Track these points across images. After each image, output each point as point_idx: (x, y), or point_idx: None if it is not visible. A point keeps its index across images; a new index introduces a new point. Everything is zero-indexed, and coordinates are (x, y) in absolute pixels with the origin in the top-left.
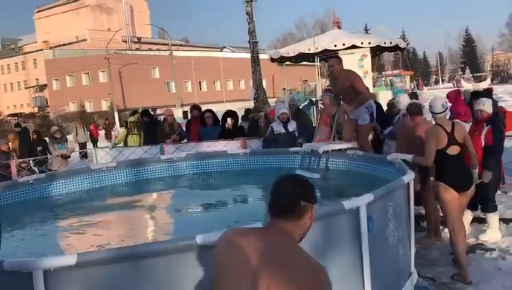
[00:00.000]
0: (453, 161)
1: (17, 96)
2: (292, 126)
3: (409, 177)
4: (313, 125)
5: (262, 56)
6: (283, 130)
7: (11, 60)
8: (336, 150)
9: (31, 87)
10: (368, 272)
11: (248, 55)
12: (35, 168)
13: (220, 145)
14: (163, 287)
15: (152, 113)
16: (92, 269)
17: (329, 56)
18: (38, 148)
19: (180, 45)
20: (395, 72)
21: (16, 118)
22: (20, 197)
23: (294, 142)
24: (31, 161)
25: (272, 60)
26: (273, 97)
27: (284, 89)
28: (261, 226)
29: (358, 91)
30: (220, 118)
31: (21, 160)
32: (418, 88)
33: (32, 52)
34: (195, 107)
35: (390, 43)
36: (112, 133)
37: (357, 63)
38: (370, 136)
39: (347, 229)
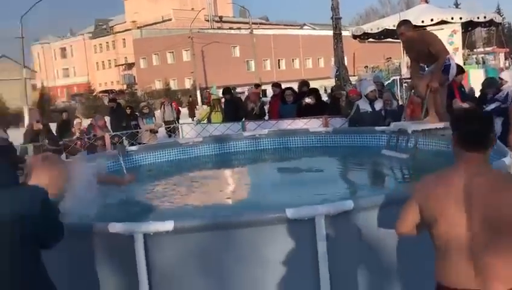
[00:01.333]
0: None
1: (108, 74)
2: (379, 105)
3: (510, 159)
4: (399, 104)
5: (343, 33)
6: (369, 109)
7: (103, 39)
8: (427, 130)
9: (120, 65)
10: None
11: (328, 33)
12: (126, 142)
13: (301, 123)
14: (251, 258)
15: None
16: (187, 235)
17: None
18: (133, 123)
19: (261, 23)
20: (488, 49)
21: (107, 94)
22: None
23: (381, 121)
24: (123, 135)
25: (354, 36)
26: (354, 75)
27: (366, 66)
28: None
29: (437, 55)
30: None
31: (114, 133)
32: None
33: (122, 32)
34: (275, 85)
35: (484, 17)
36: (196, 111)
37: (446, 39)
38: None
39: None
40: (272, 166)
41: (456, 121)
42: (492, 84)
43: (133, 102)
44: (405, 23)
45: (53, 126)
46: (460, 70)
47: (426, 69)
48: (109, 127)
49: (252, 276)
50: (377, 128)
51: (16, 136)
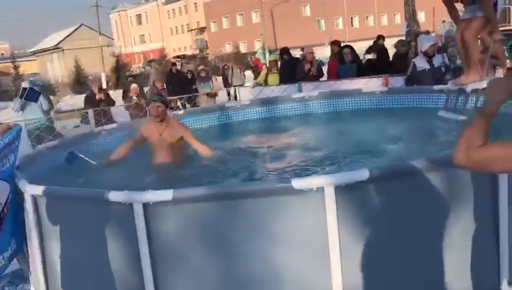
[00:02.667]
0: None
1: (181, 39)
2: (438, 61)
3: None
4: None
5: None
6: (427, 66)
7: (175, 4)
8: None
9: (192, 30)
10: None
11: None
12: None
13: (360, 83)
14: (255, 231)
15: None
16: (187, 205)
17: None
18: (194, 87)
19: None
20: None
21: (180, 59)
22: None
23: (441, 78)
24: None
25: None
26: (433, 31)
27: (443, 21)
28: None
29: None
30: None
31: (171, 98)
32: None
33: None
34: (334, 43)
35: None
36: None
37: None
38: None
39: (480, 183)
40: (316, 130)
41: None
42: None
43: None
44: None
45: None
46: None
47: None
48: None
49: (257, 248)
50: (435, 87)
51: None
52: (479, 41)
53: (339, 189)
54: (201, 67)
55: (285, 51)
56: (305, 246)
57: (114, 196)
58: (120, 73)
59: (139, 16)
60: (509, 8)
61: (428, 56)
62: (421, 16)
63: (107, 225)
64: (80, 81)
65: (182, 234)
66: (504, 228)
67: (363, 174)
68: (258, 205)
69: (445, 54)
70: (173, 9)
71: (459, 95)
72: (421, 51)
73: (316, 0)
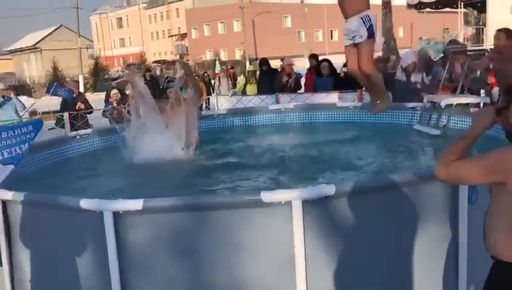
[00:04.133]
0: None
1: (162, 44)
2: (417, 78)
3: None
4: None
5: (399, 2)
6: (404, 79)
7: (157, 9)
8: (462, 105)
9: (173, 35)
10: (464, 250)
11: None
12: None
13: (335, 97)
14: (223, 241)
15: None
16: (158, 215)
17: (474, 2)
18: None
19: None
20: None
21: (159, 64)
22: None
23: (415, 95)
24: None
25: (409, 6)
26: (410, 47)
27: (420, 38)
28: None
29: None
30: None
31: None
32: None
33: (175, 1)
34: (312, 56)
35: None
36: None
37: (509, 8)
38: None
39: (442, 198)
40: (289, 141)
41: None
42: None
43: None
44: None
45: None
46: None
47: None
48: None
49: (225, 260)
50: (408, 104)
51: None
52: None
53: (306, 203)
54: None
55: (264, 62)
56: (272, 258)
57: (85, 203)
58: (98, 76)
59: (119, 19)
60: (482, 28)
61: (409, 73)
62: (400, 32)
63: (77, 232)
64: (57, 83)
65: (151, 243)
66: (463, 244)
67: (330, 189)
68: (227, 216)
69: (424, 73)
70: (155, 14)
71: (433, 110)
72: (401, 66)
73: (297, 12)
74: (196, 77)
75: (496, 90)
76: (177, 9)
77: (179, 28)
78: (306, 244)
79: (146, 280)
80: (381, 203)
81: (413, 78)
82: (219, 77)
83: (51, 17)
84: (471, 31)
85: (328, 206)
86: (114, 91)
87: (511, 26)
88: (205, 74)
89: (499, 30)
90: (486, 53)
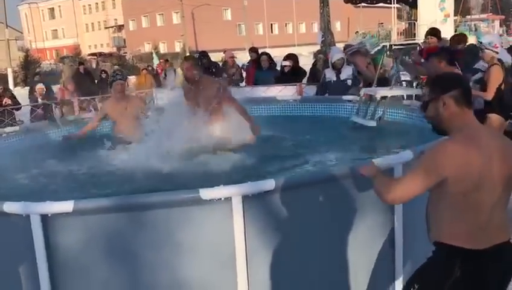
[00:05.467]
0: None
1: (98, 36)
2: (346, 74)
3: None
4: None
5: None
6: (334, 78)
7: (92, 0)
8: (397, 97)
9: (110, 27)
10: (400, 242)
11: None
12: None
13: (276, 91)
14: (162, 242)
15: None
16: (89, 217)
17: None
18: (110, 88)
19: None
20: (482, 16)
21: (95, 57)
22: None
23: (346, 91)
24: (95, 100)
25: (346, 0)
26: (347, 41)
27: (356, 32)
28: None
29: None
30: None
31: (84, 98)
32: (507, 34)
33: None
34: (252, 50)
35: None
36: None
37: (437, 5)
38: None
39: None
40: None
41: (452, 80)
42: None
43: (120, 65)
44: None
45: None
46: None
47: None
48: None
49: (165, 261)
50: (345, 97)
51: None
52: None
53: (246, 199)
54: (116, 67)
55: (204, 55)
56: (212, 255)
57: (9, 207)
58: (29, 69)
59: (51, 10)
60: (414, 23)
61: (336, 68)
62: (337, 26)
63: (3, 237)
64: None
65: (84, 246)
66: (399, 237)
67: (270, 184)
68: (165, 215)
69: (354, 67)
70: (89, 5)
71: (369, 104)
72: (330, 62)
73: (237, 5)
74: (144, 71)
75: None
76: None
77: (116, 19)
78: (247, 241)
79: (80, 285)
80: (320, 196)
81: (342, 75)
82: (165, 70)
83: None
84: (403, 25)
85: (267, 201)
86: (39, 85)
87: (439, 21)
88: (149, 67)
89: (429, 32)
90: (418, 47)
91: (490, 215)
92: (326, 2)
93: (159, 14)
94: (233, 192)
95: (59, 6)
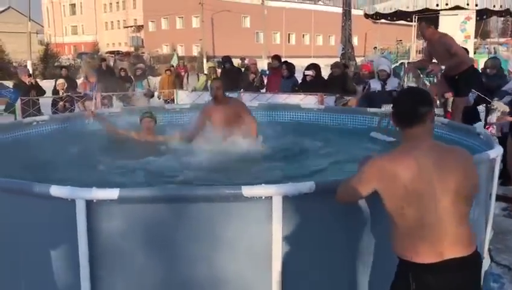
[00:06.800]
0: None
1: (116, 34)
2: (391, 85)
3: (496, 152)
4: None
5: (355, 12)
6: (379, 88)
7: None
8: None
9: (129, 26)
10: None
11: (341, 10)
12: (120, 103)
13: (297, 99)
14: (201, 235)
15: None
16: (134, 205)
17: (427, 16)
18: (127, 85)
19: None
20: (502, 40)
21: (113, 55)
22: None
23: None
24: (114, 96)
25: (366, 16)
26: (363, 56)
27: (375, 47)
28: None
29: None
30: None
31: (106, 94)
32: None
33: None
34: (275, 57)
35: (501, 6)
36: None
37: (458, 26)
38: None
39: None
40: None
41: (394, 100)
42: (495, 65)
43: (137, 64)
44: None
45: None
46: None
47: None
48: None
49: (202, 254)
50: (369, 109)
51: None
52: None
53: (286, 199)
54: (139, 65)
55: (227, 60)
56: (249, 252)
57: (56, 191)
58: (48, 62)
59: (73, 6)
60: None
61: (382, 79)
62: (355, 40)
63: (45, 221)
64: (2, 67)
65: (125, 233)
66: None
67: (310, 186)
68: (206, 209)
69: (400, 80)
70: (110, 3)
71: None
72: (376, 72)
73: (256, 13)
74: (168, 71)
75: (450, 100)
76: (134, 0)
77: (135, 19)
78: (284, 240)
79: (118, 273)
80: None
81: (388, 86)
82: (186, 73)
83: None
84: (422, 44)
85: (306, 203)
86: (60, 81)
87: (459, 42)
88: (171, 68)
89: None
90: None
91: (438, 230)
92: (348, 16)
93: (179, 17)
94: (274, 191)
95: (80, 2)
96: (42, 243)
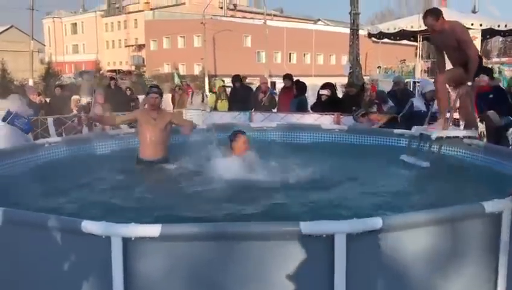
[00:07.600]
0: None
1: (118, 53)
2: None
3: None
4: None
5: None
6: (424, 108)
7: (115, 18)
8: (452, 137)
9: (130, 46)
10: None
11: (342, 30)
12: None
13: (311, 119)
14: (250, 276)
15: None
16: (176, 243)
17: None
18: (132, 104)
19: (275, 15)
20: (504, 59)
21: (114, 73)
22: None
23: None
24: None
25: (370, 35)
26: (366, 75)
27: (379, 67)
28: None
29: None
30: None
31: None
32: None
33: (134, 12)
34: (287, 77)
35: (505, 26)
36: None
37: None
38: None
39: (483, 236)
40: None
41: None
42: None
43: (139, 84)
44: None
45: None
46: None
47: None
48: None
49: None
50: (395, 131)
51: None
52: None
53: (350, 237)
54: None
55: (237, 79)
56: None
57: (88, 226)
58: (49, 81)
59: (74, 25)
60: None
61: (427, 100)
62: (359, 58)
63: (75, 261)
64: (4, 86)
65: (166, 276)
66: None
67: (377, 222)
68: (258, 248)
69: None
70: (112, 23)
71: (421, 141)
72: (421, 93)
73: (257, 32)
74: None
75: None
76: (136, 19)
77: (136, 38)
78: (347, 284)
79: None
80: (426, 238)
81: (433, 108)
82: (192, 92)
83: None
84: (425, 64)
85: (373, 241)
86: (75, 97)
87: None
88: (176, 88)
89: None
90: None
91: None
92: (356, 36)
93: (181, 37)
94: (337, 228)
95: (82, 22)
96: (71, 286)
